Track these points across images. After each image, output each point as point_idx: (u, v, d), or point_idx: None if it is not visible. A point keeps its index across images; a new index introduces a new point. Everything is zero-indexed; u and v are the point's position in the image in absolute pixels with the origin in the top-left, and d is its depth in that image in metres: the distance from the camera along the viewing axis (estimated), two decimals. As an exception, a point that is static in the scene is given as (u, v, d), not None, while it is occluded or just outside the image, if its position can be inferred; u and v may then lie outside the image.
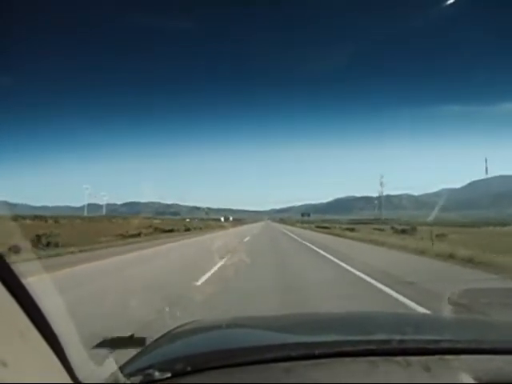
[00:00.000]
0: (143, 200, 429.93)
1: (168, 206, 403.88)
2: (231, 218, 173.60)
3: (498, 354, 1.05)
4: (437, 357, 1.01)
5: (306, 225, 78.78)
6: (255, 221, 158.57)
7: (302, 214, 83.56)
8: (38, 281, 1.10)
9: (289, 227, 67.42)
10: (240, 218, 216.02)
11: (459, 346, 1.08)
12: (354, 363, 0.99)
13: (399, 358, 0.99)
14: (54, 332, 0.77)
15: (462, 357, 1.02)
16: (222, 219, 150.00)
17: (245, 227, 64.83)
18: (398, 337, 1.11)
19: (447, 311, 3.10)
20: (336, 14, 71.62)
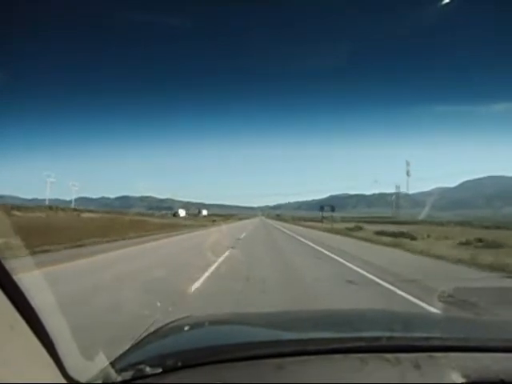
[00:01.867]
0: (137, 194, 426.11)
1: (161, 200, 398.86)
2: (205, 212, 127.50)
3: (486, 351, 1.06)
4: (426, 354, 1.01)
5: (328, 225, 39.32)
6: (248, 217, 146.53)
7: (321, 207, 49.78)
8: None
9: (316, 233, 32.67)
10: (234, 213, 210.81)
11: (448, 343, 1.08)
12: (344, 360, 1.00)
13: (389, 355, 0.99)
14: (44, 326, 0.76)
15: (451, 354, 1.02)
16: (182, 212, 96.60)
17: (226, 228, 38.47)
18: (388, 334, 1.13)
19: None
20: (336, 13, 68.89)
